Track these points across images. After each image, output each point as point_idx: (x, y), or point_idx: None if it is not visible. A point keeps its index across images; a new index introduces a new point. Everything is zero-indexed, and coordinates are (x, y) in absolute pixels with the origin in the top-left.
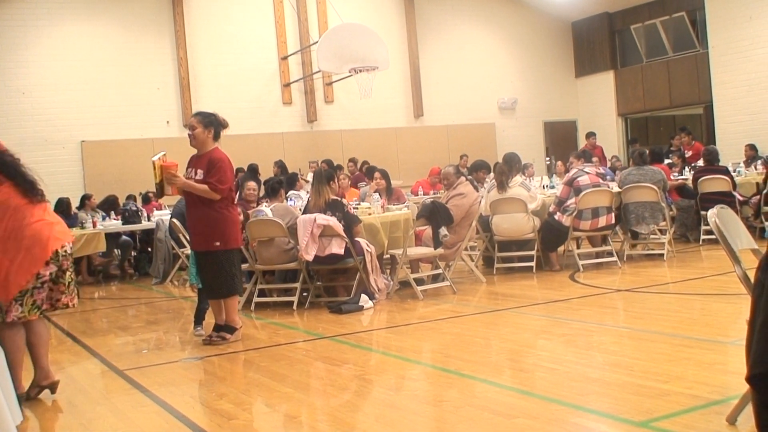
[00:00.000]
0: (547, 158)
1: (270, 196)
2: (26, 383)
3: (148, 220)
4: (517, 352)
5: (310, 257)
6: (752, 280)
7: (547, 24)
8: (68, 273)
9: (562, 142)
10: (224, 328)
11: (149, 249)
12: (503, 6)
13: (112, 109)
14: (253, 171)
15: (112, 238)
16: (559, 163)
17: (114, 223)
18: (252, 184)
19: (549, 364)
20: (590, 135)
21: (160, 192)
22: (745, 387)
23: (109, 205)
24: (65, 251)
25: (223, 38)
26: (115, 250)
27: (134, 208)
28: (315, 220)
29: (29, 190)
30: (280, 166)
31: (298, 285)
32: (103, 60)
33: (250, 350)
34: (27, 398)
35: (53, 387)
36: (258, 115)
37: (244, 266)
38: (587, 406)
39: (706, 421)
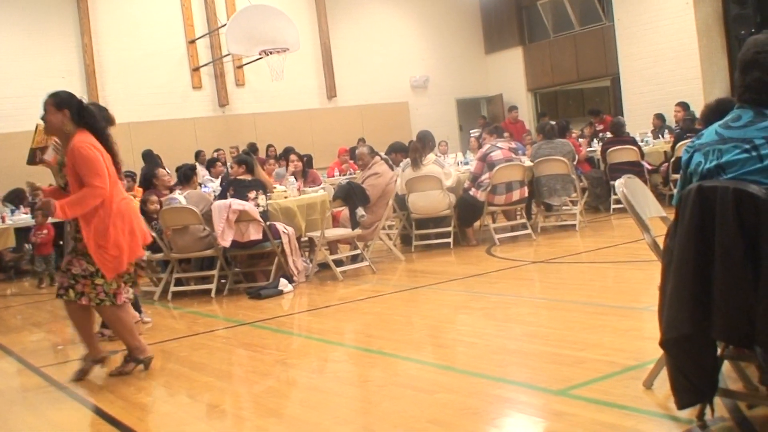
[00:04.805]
0: (474, 131)
1: (183, 182)
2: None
3: None
4: (438, 328)
5: (227, 243)
6: (662, 247)
7: (455, 2)
8: None
9: (475, 118)
10: None
11: (60, 242)
12: None
13: (15, 100)
14: (151, 157)
15: (22, 232)
16: (472, 138)
17: (23, 218)
18: (163, 171)
19: (469, 339)
20: (512, 109)
21: (31, 159)
22: (660, 352)
23: (16, 198)
24: None
25: (129, 24)
26: (26, 245)
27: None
28: (230, 205)
29: (120, 172)
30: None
31: (215, 272)
32: (5, 50)
33: (169, 341)
34: (120, 373)
35: (148, 362)
36: (168, 100)
37: (158, 255)
38: (507, 378)
39: (623, 386)
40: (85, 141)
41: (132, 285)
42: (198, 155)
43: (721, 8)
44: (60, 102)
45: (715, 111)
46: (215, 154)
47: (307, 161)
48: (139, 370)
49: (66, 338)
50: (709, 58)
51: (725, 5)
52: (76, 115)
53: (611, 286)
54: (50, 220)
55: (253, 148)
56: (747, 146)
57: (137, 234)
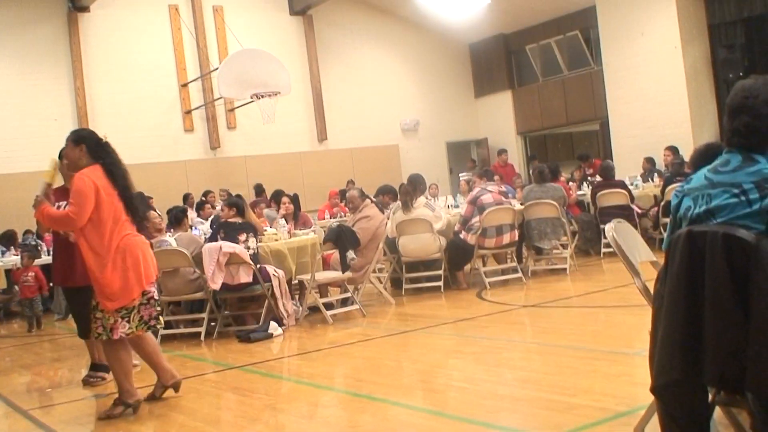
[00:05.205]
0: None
1: (174, 225)
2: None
3: (48, 254)
4: (428, 372)
5: (217, 286)
6: (652, 291)
7: (445, 46)
8: None
9: (465, 161)
10: (101, 368)
11: (50, 284)
12: (402, 29)
13: (7, 143)
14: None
15: (12, 274)
16: (462, 182)
17: (13, 259)
18: (154, 213)
19: (459, 383)
20: (502, 152)
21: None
22: (651, 398)
23: (7, 240)
24: None
25: (121, 67)
26: (15, 287)
27: (33, 243)
28: (221, 248)
29: (133, 207)
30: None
31: (205, 315)
32: None
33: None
34: (152, 398)
35: (177, 386)
36: (159, 143)
37: None
38: (498, 423)
39: None
40: (86, 173)
41: (142, 325)
42: (186, 198)
43: (709, 52)
44: (78, 138)
45: (704, 155)
46: (207, 197)
47: (295, 200)
48: (127, 413)
49: (54, 381)
50: (697, 102)
51: (713, 49)
52: (92, 150)
53: (602, 331)
54: (36, 262)
55: (259, 189)
56: (736, 191)
57: (141, 271)
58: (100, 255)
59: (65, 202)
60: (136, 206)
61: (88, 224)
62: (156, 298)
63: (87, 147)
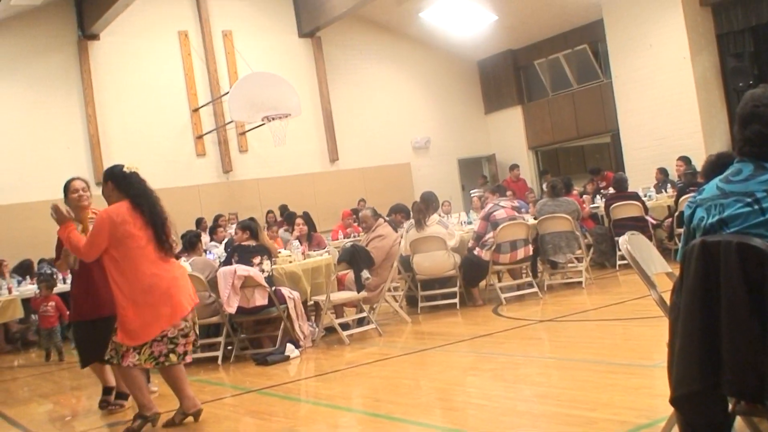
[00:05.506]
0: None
1: (188, 250)
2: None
3: (64, 282)
4: (447, 390)
5: (232, 309)
6: (668, 303)
7: (454, 63)
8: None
9: (477, 177)
10: (121, 395)
11: (67, 312)
12: (410, 48)
13: (21, 172)
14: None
15: (28, 303)
16: (475, 198)
17: (30, 288)
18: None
19: (478, 401)
20: (514, 167)
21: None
22: (671, 409)
23: (24, 270)
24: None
25: (132, 94)
26: (33, 315)
27: (49, 272)
28: (235, 271)
29: (164, 238)
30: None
31: (221, 339)
32: (11, 122)
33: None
34: (171, 424)
35: (197, 414)
36: (172, 168)
37: None
38: None
39: None
40: (108, 210)
41: (150, 360)
42: (199, 223)
43: (718, 62)
44: (105, 176)
45: (716, 165)
46: (218, 221)
47: (307, 219)
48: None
49: (74, 410)
50: (708, 111)
51: (722, 59)
52: (119, 185)
53: (620, 344)
54: (55, 291)
55: (283, 210)
56: (749, 200)
57: (163, 312)
58: (124, 292)
59: None
60: (166, 234)
61: (108, 261)
62: (184, 331)
63: (114, 183)
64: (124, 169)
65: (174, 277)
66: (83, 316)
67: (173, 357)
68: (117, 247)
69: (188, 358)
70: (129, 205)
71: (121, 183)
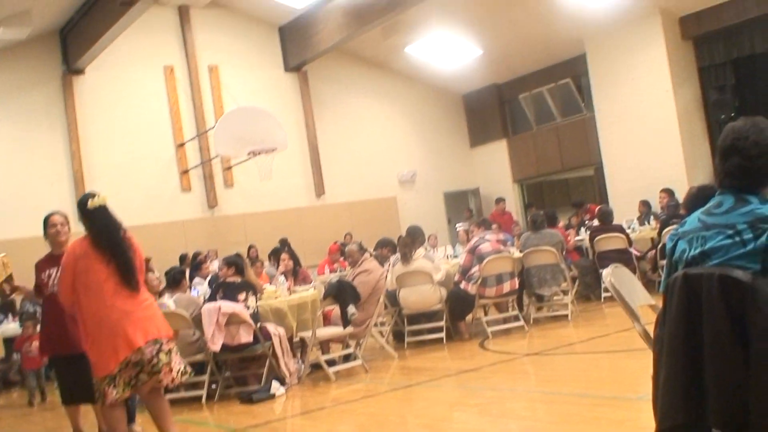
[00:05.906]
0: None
1: (172, 286)
2: None
3: None
4: (433, 427)
5: (217, 347)
6: (652, 335)
7: (439, 97)
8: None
9: (463, 211)
10: None
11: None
12: (396, 82)
13: (3, 208)
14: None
15: (10, 342)
16: (461, 231)
17: (12, 326)
18: (152, 276)
19: None
20: (499, 200)
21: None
22: None
23: (6, 308)
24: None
25: (117, 129)
26: (14, 354)
27: (32, 310)
28: (220, 308)
29: (126, 274)
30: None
31: (206, 378)
32: None
33: None
34: None
35: None
36: (156, 204)
37: None
38: None
39: None
40: (72, 244)
41: (127, 387)
42: (183, 260)
43: (700, 94)
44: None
45: (697, 198)
46: (198, 258)
47: (292, 254)
48: None
49: None
50: (691, 143)
51: (704, 91)
52: (83, 220)
53: (606, 377)
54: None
55: (283, 243)
56: (730, 232)
57: (119, 342)
58: (84, 324)
59: (55, 269)
60: (129, 270)
61: (75, 295)
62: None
63: (80, 215)
64: (89, 204)
65: (126, 311)
66: (63, 350)
67: (143, 376)
68: (78, 279)
69: (165, 379)
70: (91, 239)
71: (85, 217)
